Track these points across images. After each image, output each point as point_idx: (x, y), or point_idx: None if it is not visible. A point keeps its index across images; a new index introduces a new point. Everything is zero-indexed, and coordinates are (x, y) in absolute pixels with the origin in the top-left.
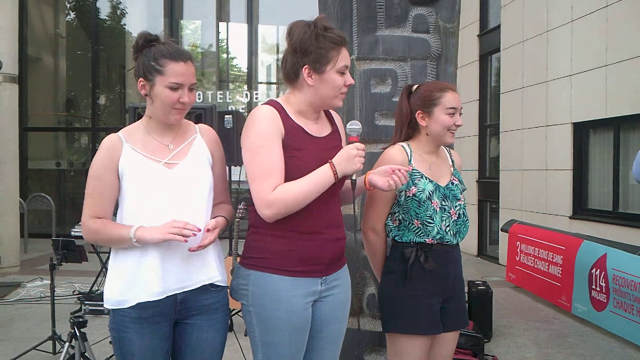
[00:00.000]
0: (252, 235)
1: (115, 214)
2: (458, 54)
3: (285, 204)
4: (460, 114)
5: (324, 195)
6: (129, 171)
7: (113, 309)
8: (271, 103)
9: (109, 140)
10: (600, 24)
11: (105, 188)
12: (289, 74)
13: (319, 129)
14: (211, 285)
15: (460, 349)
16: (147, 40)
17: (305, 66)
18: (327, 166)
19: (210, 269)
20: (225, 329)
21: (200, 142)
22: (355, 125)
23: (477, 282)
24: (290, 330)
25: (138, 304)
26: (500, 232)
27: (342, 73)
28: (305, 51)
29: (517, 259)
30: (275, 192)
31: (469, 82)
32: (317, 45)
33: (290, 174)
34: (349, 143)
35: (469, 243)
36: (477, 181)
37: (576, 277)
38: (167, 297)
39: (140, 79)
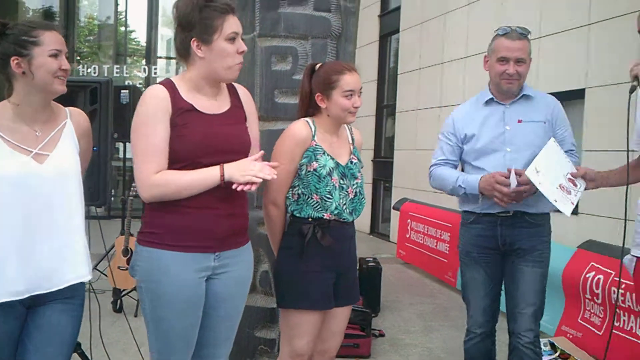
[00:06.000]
0: (146, 211)
1: None
2: (358, 34)
3: (163, 193)
4: (360, 94)
5: None
6: None
7: None
8: (164, 82)
9: None
10: (495, 8)
11: None
12: (180, 51)
13: (217, 105)
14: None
15: (348, 323)
16: (3, 25)
17: (193, 39)
18: (216, 168)
19: (81, 267)
20: (80, 317)
21: (70, 128)
22: None
23: (367, 259)
24: (181, 305)
25: None
26: (392, 210)
27: (231, 40)
28: (190, 24)
29: (408, 236)
30: (157, 178)
31: (368, 62)
32: (200, 16)
33: (176, 153)
34: None
35: (362, 221)
36: (372, 160)
37: None
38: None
39: (14, 57)
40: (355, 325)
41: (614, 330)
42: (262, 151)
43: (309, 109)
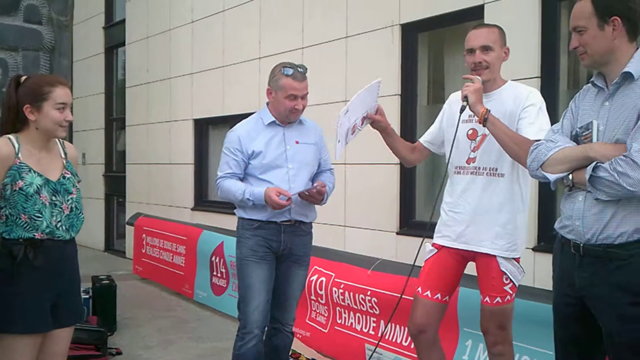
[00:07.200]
0: None
1: None
2: (83, 45)
3: None
4: (71, 108)
5: None
6: None
7: None
8: None
9: None
10: (218, 27)
11: None
12: None
13: None
14: None
15: (82, 344)
16: None
17: None
18: None
19: None
20: None
21: None
22: None
23: (101, 277)
24: None
25: None
26: (126, 225)
27: None
28: None
29: (144, 251)
30: None
31: (95, 74)
32: None
33: None
34: None
35: (95, 238)
36: (103, 175)
37: (198, 265)
38: None
39: None
40: (90, 345)
41: (337, 327)
42: None
43: (15, 123)
